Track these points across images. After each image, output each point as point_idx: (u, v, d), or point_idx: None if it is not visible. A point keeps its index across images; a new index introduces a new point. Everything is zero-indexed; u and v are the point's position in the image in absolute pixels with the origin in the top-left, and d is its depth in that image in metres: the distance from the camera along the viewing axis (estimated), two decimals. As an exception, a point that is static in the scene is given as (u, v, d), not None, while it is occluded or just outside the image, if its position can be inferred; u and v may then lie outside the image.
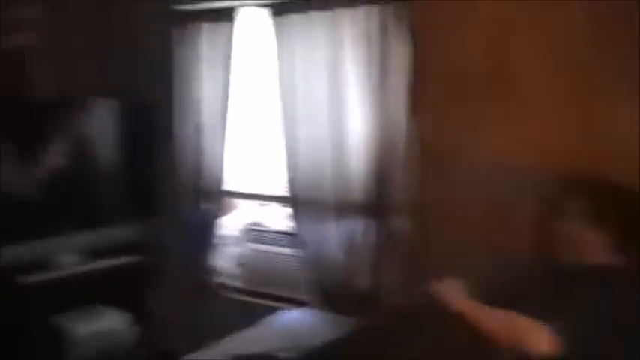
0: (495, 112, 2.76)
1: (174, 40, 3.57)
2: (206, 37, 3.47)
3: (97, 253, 3.62)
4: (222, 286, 3.68)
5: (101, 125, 3.69)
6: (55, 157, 2.93)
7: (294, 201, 3.28)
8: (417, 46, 2.88)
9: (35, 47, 3.70)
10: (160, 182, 3.79)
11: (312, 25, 3.09)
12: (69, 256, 3.54)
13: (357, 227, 3.10)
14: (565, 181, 2.44)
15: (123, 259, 3.68)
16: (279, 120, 3.26)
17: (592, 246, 2.22)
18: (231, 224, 3.71)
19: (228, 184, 3.59)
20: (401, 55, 2.91)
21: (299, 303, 3.37)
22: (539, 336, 1.95)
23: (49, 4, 3.73)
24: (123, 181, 3.79)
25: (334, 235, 3.18)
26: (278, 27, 3.20)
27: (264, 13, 3.25)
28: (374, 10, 2.94)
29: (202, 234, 3.61)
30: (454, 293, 2.22)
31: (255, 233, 3.66)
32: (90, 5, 3.94)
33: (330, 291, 3.21)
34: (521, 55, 2.68)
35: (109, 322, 3.57)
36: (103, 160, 3.72)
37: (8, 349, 2.73)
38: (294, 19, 3.14)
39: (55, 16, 3.77)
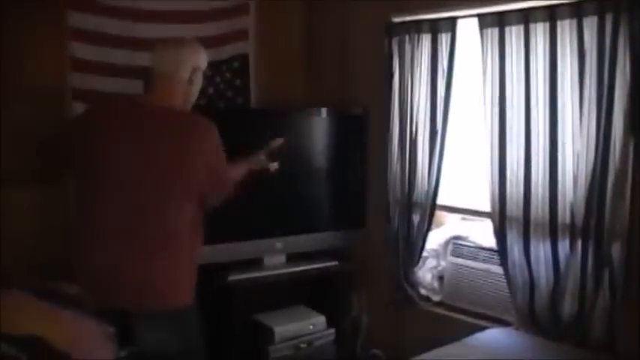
0: None
1: (391, 50, 3.57)
2: (425, 48, 3.44)
3: (302, 257, 3.72)
4: (425, 299, 3.65)
5: (315, 134, 3.81)
6: (270, 162, 3.06)
7: (500, 217, 3.18)
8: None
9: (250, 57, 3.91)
10: (370, 192, 3.84)
11: (530, 37, 2.98)
12: (276, 257, 3.68)
13: (567, 250, 2.95)
14: None
15: (327, 264, 3.76)
16: (489, 133, 3.18)
17: None
18: (436, 237, 3.66)
19: (438, 197, 3.52)
20: (623, 70, 2.74)
21: (499, 322, 3.27)
22: None
23: (260, 15, 3.91)
24: (333, 189, 3.87)
25: (542, 256, 3.04)
26: (496, 38, 3.11)
27: (482, 24, 3.16)
28: (595, 20, 2.78)
29: (409, 246, 3.59)
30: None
31: (460, 248, 3.58)
32: (304, 14, 4.10)
33: (534, 313, 3.08)
34: None
35: (310, 323, 3.65)
36: (315, 167, 3.82)
37: (214, 343, 2.88)
38: (511, 30, 3.05)
39: (266, 28, 3.96)
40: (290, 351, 3.53)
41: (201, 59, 2.73)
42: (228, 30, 3.80)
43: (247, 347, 3.53)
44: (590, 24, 2.80)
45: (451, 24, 3.33)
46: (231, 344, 3.45)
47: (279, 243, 3.66)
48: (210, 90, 3.72)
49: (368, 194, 3.86)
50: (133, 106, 2.64)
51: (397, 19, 3.54)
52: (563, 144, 2.94)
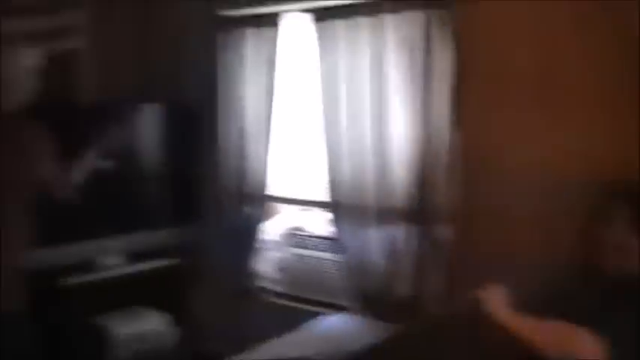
0: (539, 118, 2.72)
1: (219, 44, 3.57)
2: (251, 41, 3.47)
3: (139, 256, 3.64)
4: (264, 290, 3.68)
5: (145, 129, 3.73)
6: (100, 160, 2.96)
7: (335, 206, 3.27)
8: (461, 51, 2.85)
9: (80, 52, 3.76)
10: (203, 186, 3.80)
11: (356, 31, 3.08)
12: (111, 258, 3.57)
13: (399, 234, 3.08)
14: (610, 188, 2.41)
15: (164, 262, 3.70)
16: (322, 125, 3.26)
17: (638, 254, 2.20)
18: (273, 229, 3.70)
19: (271, 189, 3.58)
20: (445, 61, 2.89)
21: (339, 308, 3.35)
22: (588, 345, 1.93)
23: (93, 9, 3.78)
24: (166, 185, 3.81)
25: (375, 241, 3.15)
26: (322, 32, 3.19)
27: (308, 19, 3.24)
28: (418, 15, 2.92)
29: (245, 238, 3.61)
30: (498, 302, 2.20)
31: (297, 238, 3.64)
32: (135, 10, 3.99)
33: (370, 297, 3.19)
34: (567, 60, 2.65)
35: (150, 324, 3.59)
36: (146, 163, 3.75)
37: (51, 350, 2.76)
38: (338, 24, 3.13)
39: (99, 21, 3.83)
40: (131, 353, 3.45)
41: None
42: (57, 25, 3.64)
43: (86, 353, 3.41)
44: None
45: (276, 18, 3.38)
46: (68, 352, 3.32)
47: (113, 243, 3.56)
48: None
49: (202, 189, 3.82)
50: None
51: (224, 13, 3.55)
52: (392, 133, 3.05)
